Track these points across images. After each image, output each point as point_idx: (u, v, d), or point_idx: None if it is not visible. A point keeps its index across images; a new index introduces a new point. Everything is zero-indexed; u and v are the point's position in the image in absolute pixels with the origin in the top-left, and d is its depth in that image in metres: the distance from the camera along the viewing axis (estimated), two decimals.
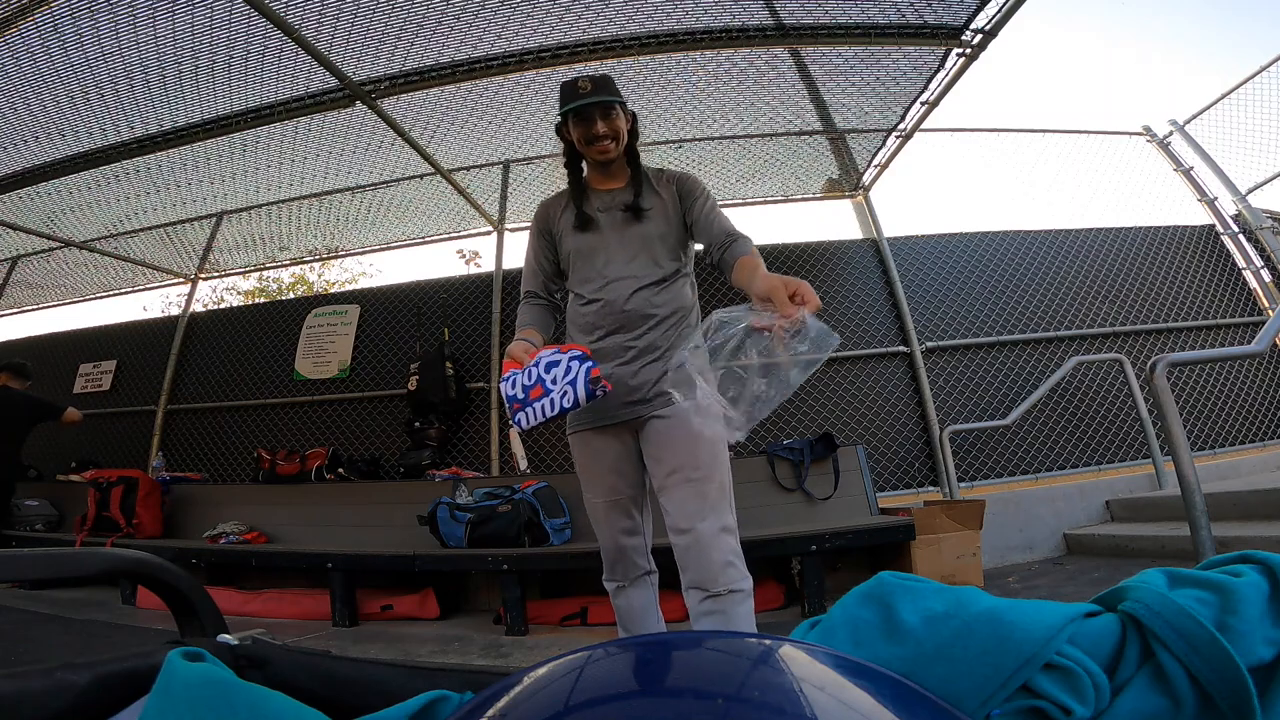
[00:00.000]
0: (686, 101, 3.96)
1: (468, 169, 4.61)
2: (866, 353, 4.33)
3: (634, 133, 1.65)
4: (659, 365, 1.53)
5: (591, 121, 1.54)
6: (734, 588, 1.40)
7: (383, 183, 4.79)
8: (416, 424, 4.32)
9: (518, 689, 0.29)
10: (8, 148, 3.84)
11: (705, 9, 3.19)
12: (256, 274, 9.21)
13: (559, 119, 1.62)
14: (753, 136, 4.43)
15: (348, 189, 4.85)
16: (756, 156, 4.66)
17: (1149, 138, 5.15)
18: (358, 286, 10.07)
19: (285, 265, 6.74)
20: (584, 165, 1.66)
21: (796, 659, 0.30)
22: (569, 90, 1.55)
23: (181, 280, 6.05)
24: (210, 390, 5.18)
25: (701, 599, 1.41)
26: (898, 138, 4.33)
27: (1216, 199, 4.91)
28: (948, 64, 3.49)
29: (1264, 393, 4.36)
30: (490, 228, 5.12)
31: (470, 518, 3.09)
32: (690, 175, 1.68)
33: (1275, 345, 3.05)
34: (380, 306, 5.04)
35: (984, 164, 5.02)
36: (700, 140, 4.44)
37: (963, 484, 3.95)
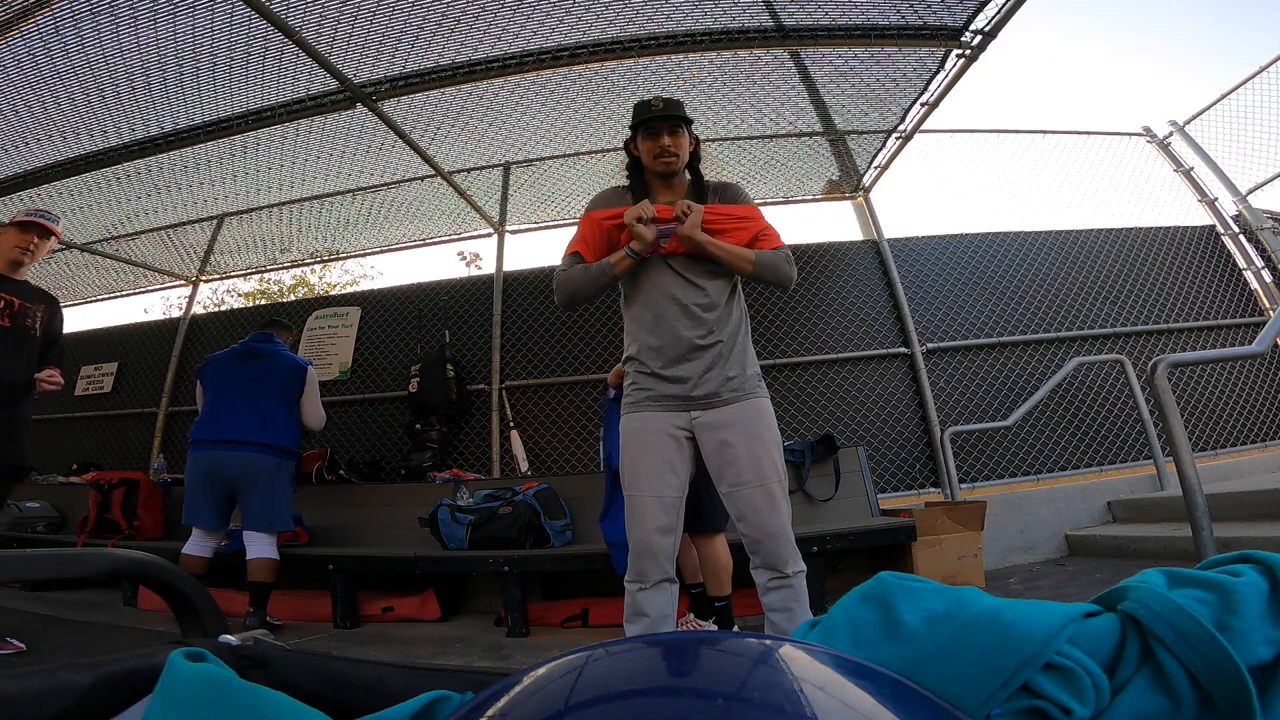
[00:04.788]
0: (687, 103, 3.94)
1: (468, 171, 4.62)
2: (867, 354, 4.32)
3: (696, 154, 1.82)
4: (721, 363, 1.62)
5: (659, 135, 1.71)
6: (799, 568, 1.60)
7: (383, 185, 4.80)
8: (417, 426, 4.32)
9: (518, 688, 0.29)
10: (9, 150, 3.84)
11: (705, 10, 3.19)
12: (257, 276, 9.22)
13: (629, 134, 1.79)
14: (753, 138, 4.43)
15: (349, 191, 4.85)
16: (757, 158, 4.66)
17: (1149, 138, 5.15)
18: (359, 288, 10.07)
19: (286, 267, 6.74)
20: (645, 181, 1.81)
21: (796, 659, 0.30)
22: (642, 107, 1.74)
23: (183, 282, 6.05)
24: None
25: (771, 578, 1.59)
26: (898, 139, 4.32)
27: (1217, 199, 4.91)
28: (947, 65, 3.49)
29: (1265, 393, 4.35)
30: (491, 230, 5.12)
31: (471, 519, 3.09)
32: (733, 184, 1.86)
33: (1276, 346, 3.04)
34: (381, 308, 5.04)
35: (984, 165, 5.02)
36: (700, 142, 4.42)
37: (964, 485, 3.94)
